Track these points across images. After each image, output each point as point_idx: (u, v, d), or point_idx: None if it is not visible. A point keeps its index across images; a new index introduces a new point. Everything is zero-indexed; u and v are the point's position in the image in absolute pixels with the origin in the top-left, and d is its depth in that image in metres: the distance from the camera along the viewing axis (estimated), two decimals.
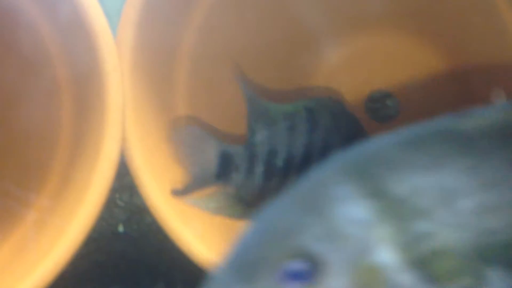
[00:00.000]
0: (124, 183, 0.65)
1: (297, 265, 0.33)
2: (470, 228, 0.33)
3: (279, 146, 0.60)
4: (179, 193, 0.57)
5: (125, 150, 0.55)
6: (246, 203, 0.59)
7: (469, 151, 0.34)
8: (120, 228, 0.66)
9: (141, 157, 0.55)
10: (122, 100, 0.54)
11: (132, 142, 0.55)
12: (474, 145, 0.35)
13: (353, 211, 0.33)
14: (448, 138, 0.35)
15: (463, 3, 0.61)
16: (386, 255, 0.33)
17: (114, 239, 0.64)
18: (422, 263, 0.33)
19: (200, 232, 0.55)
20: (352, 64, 0.70)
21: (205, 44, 0.62)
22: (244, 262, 0.34)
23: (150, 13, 0.57)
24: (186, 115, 0.61)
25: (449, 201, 0.33)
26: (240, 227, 0.55)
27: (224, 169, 0.59)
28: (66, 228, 0.51)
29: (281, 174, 0.60)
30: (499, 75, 0.61)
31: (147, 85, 0.58)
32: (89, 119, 0.55)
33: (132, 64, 0.56)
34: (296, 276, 0.33)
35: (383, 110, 0.70)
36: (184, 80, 0.62)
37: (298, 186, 0.36)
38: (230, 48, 0.64)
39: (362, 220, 0.33)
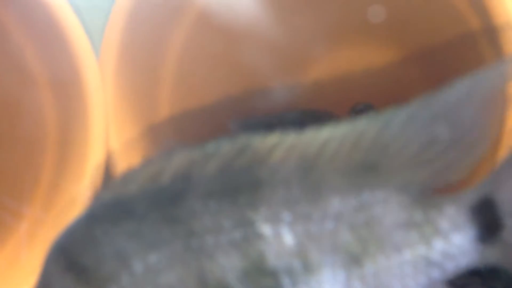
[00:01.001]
0: None
1: None
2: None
3: None
4: None
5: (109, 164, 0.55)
6: None
7: (130, 216, 0.37)
8: None
9: None
10: (105, 120, 0.55)
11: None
12: (134, 209, 0.37)
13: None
14: (114, 207, 0.37)
15: (437, 16, 0.62)
16: None
17: None
18: None
19: None
20: (334, 78, 0.71)
21: (188, 61, 0.63)
22: None
23: (133, 32, 0.58)
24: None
25: (126, 264, 0.35)
26: None
27: None
28: None
29: None
30: None
31: (130, 103, 0.58)
32: (74, 135, 0.56)
33: (115, 84, 0.57)
34: None
35: None
36: (168, 98, 0.62)
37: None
38: (214, 64, 0.64)
39: None
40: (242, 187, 0.35)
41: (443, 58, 0.65)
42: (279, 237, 0.34)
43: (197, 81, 0.64)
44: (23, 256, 0.55)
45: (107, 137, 0.56)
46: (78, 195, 0.53)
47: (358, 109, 0.71)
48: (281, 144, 0.36)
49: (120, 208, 0.37)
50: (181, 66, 0.63)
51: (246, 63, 0.67)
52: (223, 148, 0.36)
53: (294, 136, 0.36)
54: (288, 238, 0.34)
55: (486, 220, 0.36)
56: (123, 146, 0.57)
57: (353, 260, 0.34)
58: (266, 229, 0.35)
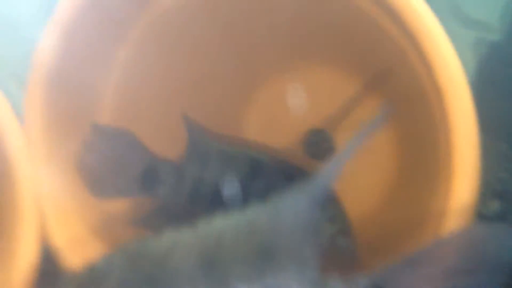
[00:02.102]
0: None
1: None
2: None
3: (208, 176, 0.58)
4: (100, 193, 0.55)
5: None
6: (170, 215, 0.57)
7: None
8: None
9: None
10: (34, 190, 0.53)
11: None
12: None
13: None
14: None
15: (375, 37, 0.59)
16: None
17: None
18: None
19: None
20: (283, 103, 0.69)
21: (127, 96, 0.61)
22: None
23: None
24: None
25: None
26: None
27: (150, 181, 0.58)
28: None
29: (206, 201, 0.58)
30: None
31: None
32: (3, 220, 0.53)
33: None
34: None
35: (320, 147, 0.68)
36: None
37: None
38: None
39: None
40: None
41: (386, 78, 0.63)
42: None
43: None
44: None
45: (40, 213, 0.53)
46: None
47: (311, 135, 0.69)
48: (178, 243, 0.34)
49: None
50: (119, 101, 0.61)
51: (189, 86, 0.65)
52: (116, 263, 0.34)
53: (188, 232, 0.35)
54: None
55: None
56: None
57: None
58: None
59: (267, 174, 0.59)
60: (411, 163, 0.62)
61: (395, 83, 0.60)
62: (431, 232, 0.50)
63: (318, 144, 0.69)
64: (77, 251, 0.53)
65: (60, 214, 0.55)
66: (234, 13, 0.62)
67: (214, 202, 0.57)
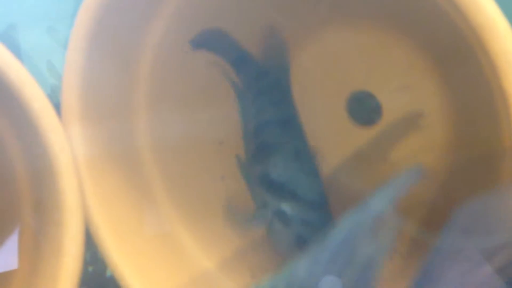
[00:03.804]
0: None
1: None
2: None
3: None
4: None
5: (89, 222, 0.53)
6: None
7: None
8: (108, 273, 0.65)
9: (107, 233, 0.54)
10: (76, 181, 0.52)
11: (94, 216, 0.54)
12: None
13: None
14: None
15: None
16: None
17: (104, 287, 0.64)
18: None
19: None
20: (328, 64, 0.65)
21: (159, 88, 0.59)
22: None
23: (93, 74, 0.54)
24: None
25: None
26: None
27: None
28: None
29: None
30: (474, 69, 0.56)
31: (103, 151, 0.55)
32: (47, 210, 0.53)
33: (82, 130, 0.54)
34: None
35: (365, 113, 0.66)
36: (145, 129, 0.59)
37: None
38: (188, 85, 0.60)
39: None
40: None
41: (439, 42, 0.59)
42: None
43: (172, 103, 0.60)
44: None
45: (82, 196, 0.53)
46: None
47: (356, 99, 0.66)
48: None
49: None
50: (152, 93, 0.59)
51: None
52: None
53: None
54: None
55: None
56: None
57: None
58: None
59: None
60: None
61: (444, 45, 0.57)
62: None
63: (362, 106, 0.66)
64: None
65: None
66: None
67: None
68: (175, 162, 0.60)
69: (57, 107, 0.53)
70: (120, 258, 0.54)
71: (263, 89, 0.62)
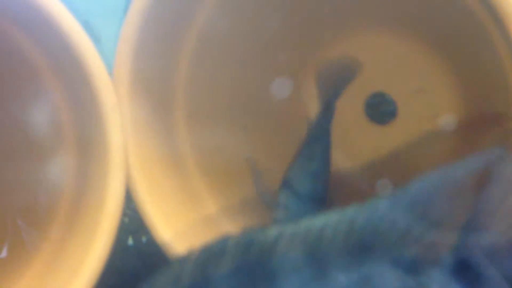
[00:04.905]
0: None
1: None
2: None
3: None
4: None
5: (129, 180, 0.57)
6: None
7: None
8: (130, 241, 0.68)
9: (145, 192, 0.58)
10: (123, 138, 0.56)
11: (135, 175, 0.58)
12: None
13: None
14: None
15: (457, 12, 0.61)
16: None
17: (125, 255, 0.67)
18: None
19: None
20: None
21: (201, 68, 0.63)
22: None
23: (145, 46, 0.58)
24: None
25: None
26: None
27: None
28: (77, 270, 0.54)
29: None
30: (491, 79, 0.61)
31: (147, 118, 0.60)
32: (93, 159, 0.57)
33: (131, 99, 0.58)
34: None
35: (381, 111, 0.71)
36: (183, 106, 0.63)
37: None
38: (227, 68, 0.65)
39: None
40: (259, 281, 0.38)
41: (460, 52, 0.65)
42: None
43: (210, 83, 0.65)
44: (47, 279, 0.57)
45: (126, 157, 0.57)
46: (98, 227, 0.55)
47: (373, 99, 0.71)
48: (283, 235, 0.38)
49: None
50: (195, 71, 0.63)
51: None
52: (230, 246, 0.38)
53: (292, 227, 0.38)
54: None
55: (468, 277, 0.39)
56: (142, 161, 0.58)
57: None
58: None
59: None
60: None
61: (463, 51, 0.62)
62: None
63: (380, 107, 0.71)
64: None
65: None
66: None
67: None
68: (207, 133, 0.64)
69: None
70: (152, 210, 0.58)
71: None
